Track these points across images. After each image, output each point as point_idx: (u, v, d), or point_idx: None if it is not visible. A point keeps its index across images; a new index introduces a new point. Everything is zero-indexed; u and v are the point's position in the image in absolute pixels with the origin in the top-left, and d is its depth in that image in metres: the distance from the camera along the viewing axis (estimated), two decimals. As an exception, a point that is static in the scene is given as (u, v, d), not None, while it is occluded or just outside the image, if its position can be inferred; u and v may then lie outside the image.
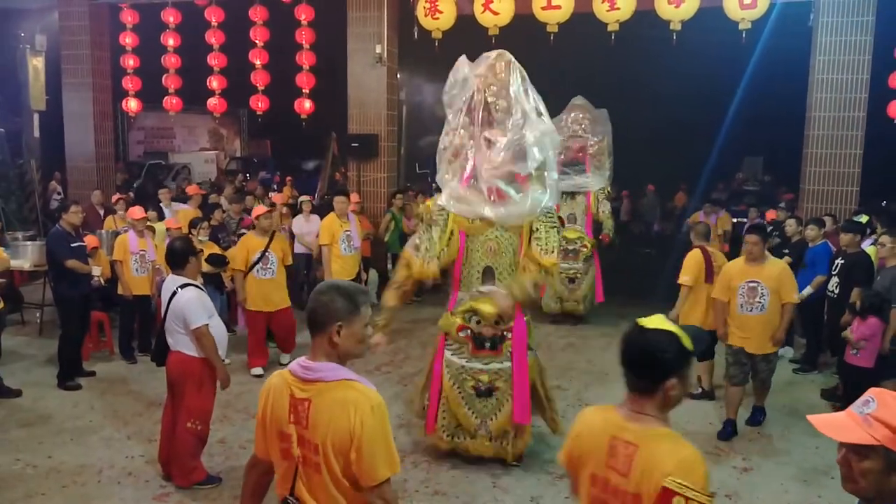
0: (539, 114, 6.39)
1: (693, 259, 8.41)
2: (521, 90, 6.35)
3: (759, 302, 7.19)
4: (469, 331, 6.41)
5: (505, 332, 6.34)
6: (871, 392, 2.17)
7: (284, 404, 2.95)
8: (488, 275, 6.44)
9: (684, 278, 8.38)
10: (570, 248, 11.67)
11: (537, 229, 6.35)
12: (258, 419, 3.10)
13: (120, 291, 9.58)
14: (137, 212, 9.78)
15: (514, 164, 6.26)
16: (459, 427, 6.58)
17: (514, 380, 6.37)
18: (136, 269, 9.50)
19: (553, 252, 6.34)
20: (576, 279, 11.77)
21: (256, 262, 9.15)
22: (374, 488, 2.85)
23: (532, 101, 6.40)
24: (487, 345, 6.37)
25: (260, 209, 9.77)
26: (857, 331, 7.46)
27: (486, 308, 6.32)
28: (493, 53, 6.53)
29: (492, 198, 6.31)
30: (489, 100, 6.34)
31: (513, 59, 6.47)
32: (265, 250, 9.20)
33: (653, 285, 12.77)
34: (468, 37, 11.98)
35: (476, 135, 6.38)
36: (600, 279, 12.03)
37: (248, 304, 9.26)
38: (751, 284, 7.21)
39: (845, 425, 2.15)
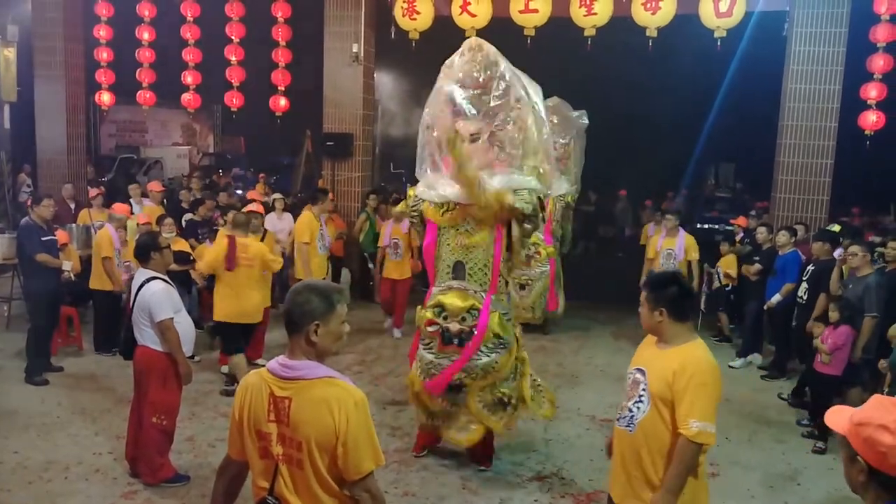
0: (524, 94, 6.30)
1: (219, 245, 8.40)
2: (496, 73, 6.20)
3: (630, 410, 3.90)
4: (437, 326, 6.35)
5: (472, 329, 6.26)
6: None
7: (263, 403, 2.96)
8: (458, 269, 6.37)
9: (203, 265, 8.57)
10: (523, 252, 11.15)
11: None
12: (233, 419, 3.09)
13: (97, 286, 9.45)
14: (122, 207, 9.68)
15: (489, 153, 6.22)
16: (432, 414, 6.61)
17: (457, 359, 6.24)
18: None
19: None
20: (526, 286, 11.08)
21: None
22: (359, 481, 2.90)
23: (509, 80, 6.23)
24: (455, 342, 6.27)
25: (256, 206, 9.67)
26: (828, 339, 7.51)
27: (452, 302, 6.28)
28: (464, 44, 6.42)
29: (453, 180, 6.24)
30: (459, 91, 6.22)
31: (483, 43, 6.32)
32: None
33: (623, 289, 12.81)
34: (445, 38, 11.96)
35: (448, 125, 6.24)
36: (553, 287, 11.32)
37: None
38: (636, 376, 3.95)
39: (839, 414, 2.22)
